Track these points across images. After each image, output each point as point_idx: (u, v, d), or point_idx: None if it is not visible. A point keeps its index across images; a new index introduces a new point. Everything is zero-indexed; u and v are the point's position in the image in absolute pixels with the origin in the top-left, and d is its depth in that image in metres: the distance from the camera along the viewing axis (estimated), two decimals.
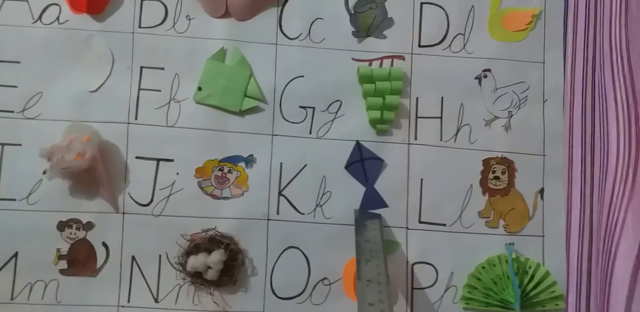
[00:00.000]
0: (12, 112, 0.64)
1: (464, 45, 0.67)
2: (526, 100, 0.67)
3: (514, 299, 0.61)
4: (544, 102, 0.67)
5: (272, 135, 0.65)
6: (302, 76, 0.66)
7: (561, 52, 0.67)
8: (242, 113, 0.65)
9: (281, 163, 0.65)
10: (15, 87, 0.64)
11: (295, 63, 0.66)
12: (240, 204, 0.64)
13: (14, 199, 0.63)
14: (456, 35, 0.67)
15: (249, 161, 0.65)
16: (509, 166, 0.66)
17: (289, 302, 0.63)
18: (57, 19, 0.65)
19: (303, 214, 0.64)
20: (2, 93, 0.64)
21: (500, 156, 0.66)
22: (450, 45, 0.67)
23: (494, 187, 0.65)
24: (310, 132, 0.65)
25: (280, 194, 0.64)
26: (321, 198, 0.64)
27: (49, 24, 0.65)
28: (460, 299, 0.64)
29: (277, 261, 0.63)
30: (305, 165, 0.65)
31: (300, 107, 0.66)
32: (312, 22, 0.66)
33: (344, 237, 0.63)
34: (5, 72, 0.64)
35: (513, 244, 0.64)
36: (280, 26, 0.66)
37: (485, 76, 0.67)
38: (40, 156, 0.61)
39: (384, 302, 0.50)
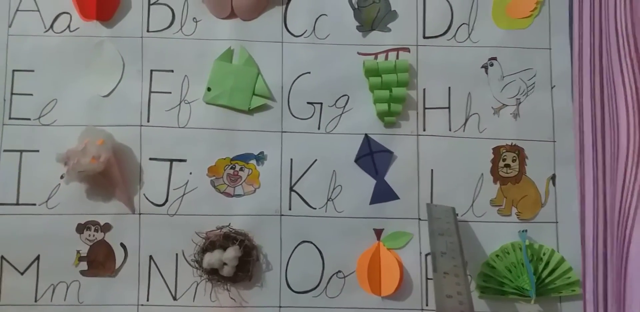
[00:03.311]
0: (29, 119, 0.65)
1: (469, 34, 0.67)
2: (534, 87, 0.66)
3: (530, 286, 0.61)
4: (552, 88, 0.66)
5: (282, 132, 0.66)
6: (309, 73, 0.66)
7: (567, 37, 0.66)
8: (251, 111, 0.66)
9: (291, 159, 0.65)
10: (31, 95, 0.66)
11: (302, 60, 0.67)
12: (252, 200, 0.65)
13: (34, 204, 0.64)
14: (461, 25, 0.67)
15: (260, 158, 0.65)
16: (519, 153, 0.65)
17: (305, 296, 0.64)
18: (68, 27, 0.67)
19: (315, 208, 0.65)
20: (18, 101, 0.66)
21: (510, 144, 0.66)
22: (455, 35, 0.67)
23: (505, 175, 0.65)
24: (319, 128, 0.66)
25: (291, 189, 0.65)
26: (332, 192, 0.65)
27: (61, 32, 0.67)
28: (475, 288, 0.64)
29: (291, 255, 0.64)
30: (315, 160, 0.65)
31: (308, 103, 0.66)
32: (317, 19, 0.67)
33: (356, 230, 0.64)
34: (20, 81, 0.66)
35: (526, 231, 0.63)
36: (286, 24, 0.67)
37: (492, 65, 0.66)
38: (57, 160, 0.62)
39: (462, 294, 0.51)
